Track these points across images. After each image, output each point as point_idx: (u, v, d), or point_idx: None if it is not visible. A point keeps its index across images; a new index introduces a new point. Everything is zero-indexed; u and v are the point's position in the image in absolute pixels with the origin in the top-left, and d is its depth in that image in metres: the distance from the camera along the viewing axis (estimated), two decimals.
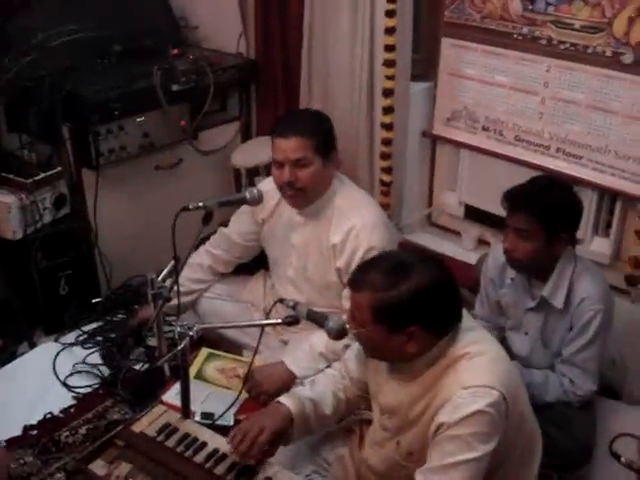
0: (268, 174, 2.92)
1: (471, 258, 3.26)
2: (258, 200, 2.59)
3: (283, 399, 2.13)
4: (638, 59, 2.72)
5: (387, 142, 3.29)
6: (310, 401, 2.14)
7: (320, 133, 2.61)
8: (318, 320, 2.10)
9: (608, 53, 2.79)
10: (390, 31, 3.10)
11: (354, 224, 2.60)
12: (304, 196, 2.63)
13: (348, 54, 3.27)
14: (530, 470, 2.06)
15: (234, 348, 2.87)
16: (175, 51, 3.37)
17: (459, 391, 1.80)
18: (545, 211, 2.36)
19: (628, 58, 2.75)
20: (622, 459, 2.30)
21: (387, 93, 3.20)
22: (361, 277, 1.88)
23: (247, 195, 2.58)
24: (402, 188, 3.48)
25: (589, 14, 2.80)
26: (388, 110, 3.23)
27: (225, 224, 2.97)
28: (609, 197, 3.02)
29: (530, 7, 2.95)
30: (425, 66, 3.44)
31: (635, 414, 2.70)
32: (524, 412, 1.97)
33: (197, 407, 2.44)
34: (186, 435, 2.13)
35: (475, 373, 1.83)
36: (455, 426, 1.78)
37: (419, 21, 3.32)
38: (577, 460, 2.45)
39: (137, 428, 2.17)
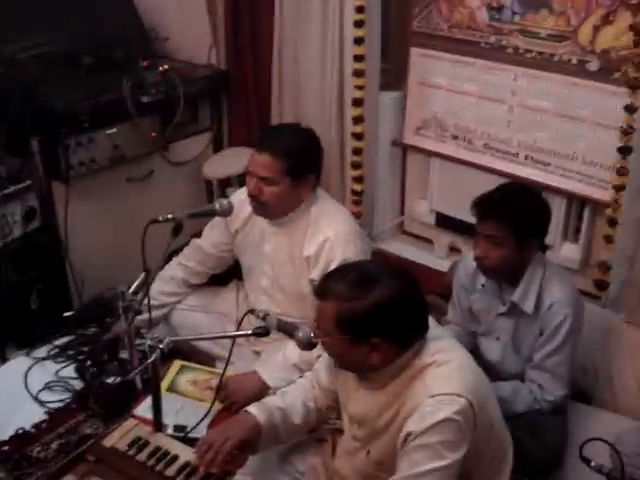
0: (240, 185, 2.92)
1: (443, 265, 3.28)
2: (228, 211, 2.60)
3: (250, 408, 2.15)
4: (603, 67, 2.77)
5: (358, 151, 3.31)
6: (279, 410, 2.14)
7: (295, 156, 2.57)
8: (288, 331, 2.11)
9: (574, 61, 2.83)
10: (359, 41, 3.13)
11: (328, 236, 2.60)
12: (266, 210, 2.64)
13: (318, 64, 3.29)
14: (500, 478, 2.07)
15: (207, 360, 2.87)
16: (145, 63, 3.36)
17: (426, 399, 1.81)
18: (514, 217, 2.38)
19: (593, 66, 2.79)
20: (592, 463, 2.32)
21: (357, 103, 3.23)
22: (326, 286, 1.89)
23: (217, 206, 2.59)
24: (374, 197, 3.50)
25: (555, 23, 2.84)
26: (358, 120, 3.26)
27: (199, 235, 2.97)
28: (578, 203, 3.06)
29: (497, 16, 2.98)
30: (394, 76, 3.46)
31: (606, 418, 2.72)
32: (493, 420, 1.98)
33: (170, 420, 2.43)
34: (157, 449, 2.12)
35: (442, 381, 1.84)
36: (423, 435, 1.79)
37: (388, 31, 3.35)
38: (548, 466, 2.46)
39: (108, 442, 2.16)
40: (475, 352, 2.57)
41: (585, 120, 2.88)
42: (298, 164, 2.58)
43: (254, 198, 2.61)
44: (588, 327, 2.61)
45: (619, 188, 2.77)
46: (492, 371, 2.54)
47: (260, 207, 2.63)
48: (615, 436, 2.46)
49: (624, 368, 2.83)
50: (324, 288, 1.90)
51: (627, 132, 2.70)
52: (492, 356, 2.64)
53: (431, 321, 1.96)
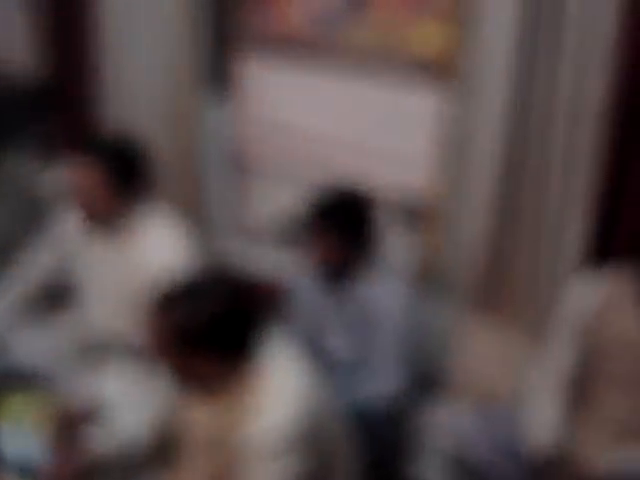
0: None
1: (283, 271, 3.31)
2: (58, 226, 2.55)
3: (90, 433, 2.13)
4: (426, 70, 2.89)
5: (191, 163, 3.31)
6: (120, 434, 2.13)
7: (113, 161, 2.58)
8: (129, 350, 2.09)
9: (399, 65, 2.94)
10: (187, 53, 3.12)
11: (153, 242, 2.63)
12: (91, 218, 2.62)
13: (147, 78, 3.26)
14: None
15: (47, 384, 2.77)
16: None
17: (262, 410, 1.86)
18: (342, 221, 2.52)
19: (417, 70, 2.91)
20: (435, 450, 2.45)
21: (186, 115, 3.22)
22: (156, 302, 1.89)
23: (47, 223, 2.54)
24: (212, 206, 3.52)
25: (378, 27, 2.93)
26: (189, 131, 3.26)
27: (29, 255, 2.88)
28: (404, 207, 3.18)
29: (322, 21, 3.05)
30: (224, 87, 3.47)
31: (448, 404, 2.84)
32: (327, 426, 2.04)
33: (10, 453, 2.34)
34: None
35: (276, 392, 1.89)
36: (262, 446, 1.83)
37: (217, 42, 3.35)
38: (394, 457, 2.57)
39: None
40: (316, 348, 2.64)
41: (410, 125, 3.00)
42: (117, 168, 2.58)
43: (78, 205, 2.59)
44: (430, 315, 2.75)
45: (444, 183, 2.90)
46: (334, 364, 2.63)
47: (84, 214, 2.61)
48: (457, 421, 2.60)
49: (466, 353, 2.98)
50: (154, 304, 1.90)
51: (446, 130, 2.83)
52: (337, 354, 2.71)
53: (269, 329, 2.00)
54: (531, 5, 2.49)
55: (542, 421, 2.39)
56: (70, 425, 2.43)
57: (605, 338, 2.34)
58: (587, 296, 2.40)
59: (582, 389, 2.40)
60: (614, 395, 2.33)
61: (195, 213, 3.41)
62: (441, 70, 2.80)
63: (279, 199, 3.48)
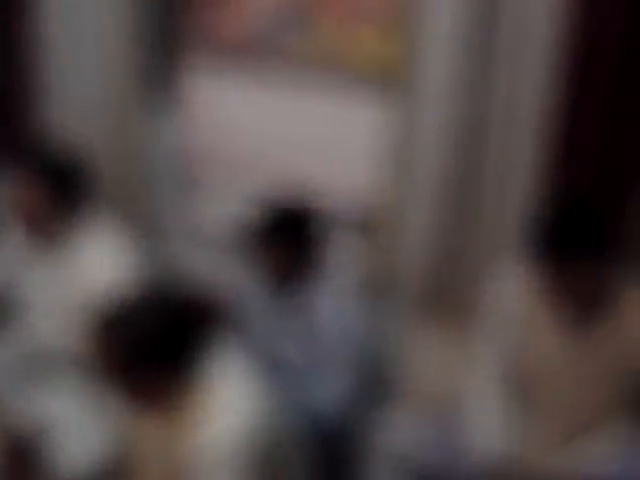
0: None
1: (232, 279, 3.29)
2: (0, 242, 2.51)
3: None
4: (371, 78, 2.89)
5: (138, 170, 3.28)
6: (70, 458, 2.09)
7: (53, 172, 2.56)
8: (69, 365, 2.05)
9: (344, 73, 2.95)
10: (131, 60, 3.09)
11: (95, 261, 2.60)
12: (31, 231, 2.59)
13: (89, 84, 3.22)
14: None
15: None
16: None
17: (210, 422, 1.86)
18: (287, 234, 2.52)
19: (362, 78, 2.91)
20: (390, 459, 2.44)
21: (132, 122, 3.20)
22: (98, 320, 1.88)
23: None
24: (160, 215, 3.49)
25: (324, 36, 2.94)
26: (135, 139, 3.24)
27: None
28: (352, 214, 3.20)
29: (269, 30, 3.04)
30: (170, 93, 3.44)
31: (405, 414, 2.85)
32: (277, 436, 2.02)
33: None
34: None
35: (225, 403, 1.89)
36: (211, 455, 1.83)
37: (162, 48, 3.32)
38: (348, 468, 2.57)
39: None
40: (266, 356, 2.63)
41: (350, 140, 3.02)
42: (59, 184, 2.56)
43: (20, 220, 2.57)
44: (380, 322, 2.75)
45: (391, 189, 2.91)
46: (284, 372, 2.63)
47: (26, 229, 2.58)
48: (410, 428, 2.61)
49: (418, 359, 2.99)
50: (96, 322, 1.88)
51: (392, 136, 2.84)
52: (291, 360, 2.70)
53: (214, 340, 1.99)
54: (472, 14, 2.53)
55: (487, 431, 2.38)
56: (19, 446, 2.39)
57: (531, 338, 2.32)
58: (508, 295, 2.37)
59: (522, 389, 2.38)
60: (553, 394, 2.32)
61: (143, 222, 3.37)
62: (385, 77, 2.82)
63: (228, 207, 3.46)
